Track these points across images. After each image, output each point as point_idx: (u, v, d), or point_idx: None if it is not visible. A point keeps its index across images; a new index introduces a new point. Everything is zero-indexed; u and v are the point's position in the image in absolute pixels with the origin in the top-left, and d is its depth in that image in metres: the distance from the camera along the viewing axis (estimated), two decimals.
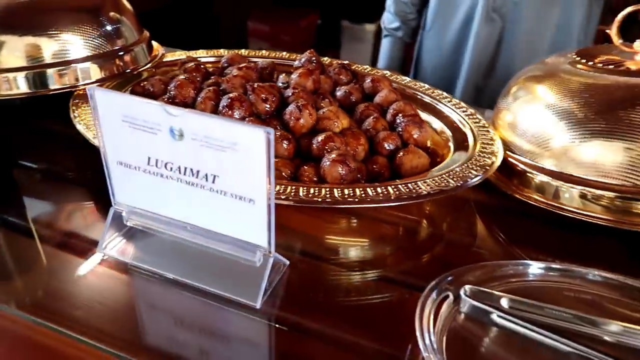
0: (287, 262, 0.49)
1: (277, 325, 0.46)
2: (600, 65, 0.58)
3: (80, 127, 0.58)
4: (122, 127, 0.43)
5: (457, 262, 0.55)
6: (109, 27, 0.71)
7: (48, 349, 0.46)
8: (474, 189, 0.64)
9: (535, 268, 0.47)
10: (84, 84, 0.68)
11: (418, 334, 0.40)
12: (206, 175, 0.43)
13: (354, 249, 0.59)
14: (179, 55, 0.80)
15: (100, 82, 0.69)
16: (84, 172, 0.67)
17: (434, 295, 0.43)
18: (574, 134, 0.56)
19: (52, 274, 0.50)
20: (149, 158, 0.44)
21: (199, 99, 0.60)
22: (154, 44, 0.80)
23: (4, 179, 0.64)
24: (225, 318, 0.48)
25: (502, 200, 0.62)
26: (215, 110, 0.59)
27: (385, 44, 1.29)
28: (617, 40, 0.60)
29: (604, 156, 0.55)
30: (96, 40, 0.69)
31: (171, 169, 0.44)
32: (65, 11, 0.70)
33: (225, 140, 0.40)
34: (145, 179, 0.45)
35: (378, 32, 2.81)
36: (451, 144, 0.62)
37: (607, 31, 0.61)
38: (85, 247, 0.53)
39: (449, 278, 0.45)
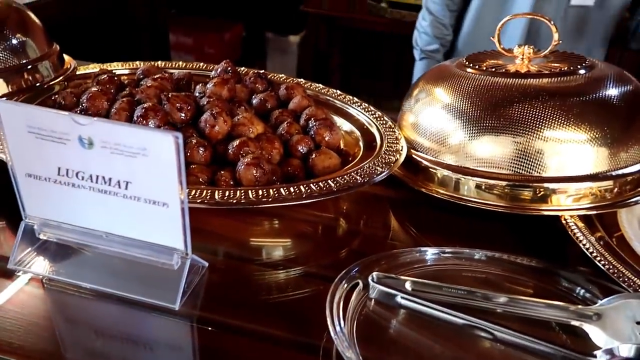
0: (206, 264, 0.51)
1: (198, 325, 0.48)
2: (485, 68, 0.64)
3: None
4: (28, 138, 0.43)
5: (372, 254, 0.59)
6: (14, 41, 0.69)
7: None
8: (386, 186, 0.68)
9: (431, 253, 0.52)
10: None
11: (329, 321, 0.43)
12: (118, 182, 0.43)
13: (275, 248, 0.61)
14: (93, 68, 0.79)
15: (8, 97, 0.67)
16: None
17: (343, 284, 0.46)
18: (468, 131, 0.62)
19: None
20: (59, 168, 0.44)
21: (112, 110, 0.60)
22: (66, 57, 0.78)
23: None
24: (147, 323, 0.48)
25: (412, 195, 0.67)
26: (129, 122, 0.59)
27: (420, 66, 1.29)
28: (499, 46, 0.67)
29: (494, 150, 0.61)
30: (0, 55, 0.68)
31: (83, 177, 0.44)
32: None
33: (134, 146, 0.41)
34: (56, 189, 0.45)
35: (302, 43, 2.88)
36: (361, 145, 0.66)
37: (491, 38, 0.68)
38: None
39: (357, 267, 0.49)
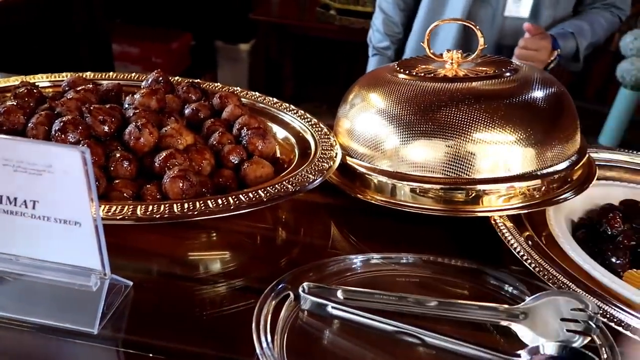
0: (130, 283, 0.48)
1: (122, 350, 0.45)
2: (416, 73, 0.65)
3: None
4: None
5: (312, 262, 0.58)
6: None
7: None
8: (324, 193, 0.68)
9: (360, 260, 0.52)
10: None
11: (255, 337, 0.41)
12: (25, 201, 0.41)
13: (212, 263, 0.59)
14: (14, 80, 0.75)
15: None
16: None
17: (272, 296, 0.45)
18: (401, 136, 0.62)
19: None
20: None
21: (29, 124, 0.57)
22: None
23: None
24: (66, 351, 0.46)
25: (350, 202, 0.66)
26: (48, 136, 0.56)
27: (373, 62, 1.33)
28: (428, 51, 0.68)
29: (427, 154, 0.61)
30: None
31: None
32: None
33: (39, 163, 0.39)
34: None
35: (252, 52, 2.86)
36: (297, 152, 0.66)
37: (422, 43, 0.69)
38: None
39: (287, 279, 0.48)
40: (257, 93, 0.78)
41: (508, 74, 0.63)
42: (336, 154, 0.63)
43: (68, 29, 1.89)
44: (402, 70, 0.66)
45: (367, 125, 0.65)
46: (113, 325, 0.46)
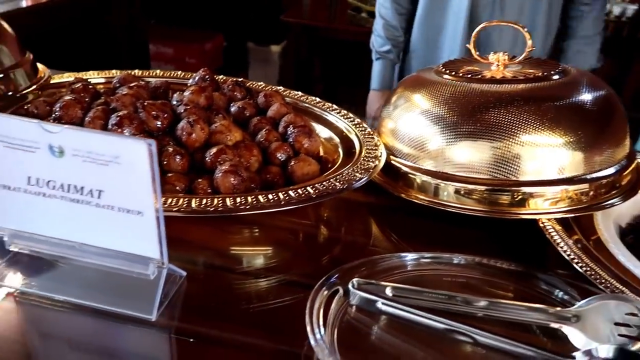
0: (184, 274, 0.50)
1: (175, 336, 0.47)
2: (462, 74, 0.65)
3: None
4: None
5: (354, 260, 0.59)
6: None
7: None
8: (366, 192, 0.68)
9: (411, 258, 0.52)
10: None
11: (308, 328, 0.42)
12: (91, 191, 0.42)
13: (255, 257, 0.60)
14: (67, 77, 0.78)
15: None
16: None
17: (323, 291, 0.46)
18: (446, 136, 0.62)
19: None
20: (29, 178, 0.43)
21: (87, 118, 0.59)
22: (40, 66, 0.77)
23: None
24: (122, 335, 0.47)
25: (391, 200, 0.67)
26: (104, 130, 0.58)
27: (377, 66, 1.36)
28: (474, 52, 0.68)
29: (472, 155, 0.61)
30: None
31: (54, 187, 0.43)
32: None
33: (107, 154, 0.40)
34: (26, 199, 0.44)
35: (283, 53, 2.89)
36: (340, 151, 0.66)
37: (467, 45, 0.69)
38: None
39: (337, 274, 0.48)
40: (299, 92, 0.79)
41: (556, 76, 0.63)
42: (381, 153, 0.64)
43: (108, 29, 1.95)
44: (447, 71, 0.67)
45: (412, 125, 0.65)
46: (168, 313, 0.47)
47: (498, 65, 0.66)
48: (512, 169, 0.60)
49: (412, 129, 0.65)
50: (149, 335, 0.47)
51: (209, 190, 0.55)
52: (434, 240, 0.62)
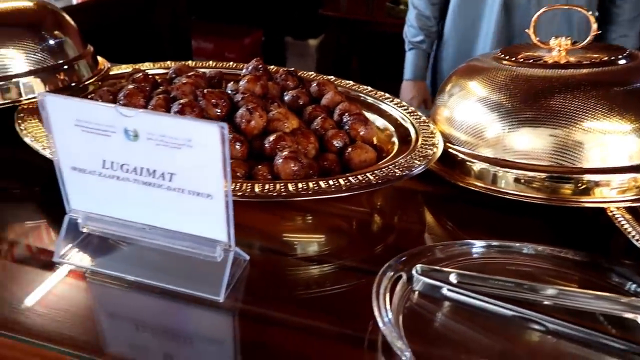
0: (248, 257, 0.51)
1: (240, 318, 0.48)
2: (522, 60, 0.63)
3: (28, 140, 0.58)
4: (74, 131, 0.43)
5: (409, 248, 0.59)
6: (51, 42, 0.70)
7: None
8: (420, 180, 0.68)
9: (477, 247, 0.51)
10: (27, 99, 0.67)
11: (376, 312, 0.42)
12: (163, 174, 0.44)
13: (312, 243, 0.61)
14: (125, 68, 0.80)
15: None
16: (30, 188, 0.66)
17: (388, 275, 0.46)
18: (505, 123, 0.61)
19: (8, 287, 0.49)
20: (103, 161, 0.45)
21: (149, 107, 0.61)
22: (99, 58, 0.79)
23: None
24: (188, 316, 0.48)
25: (446, 189, 0.66)
26: None
27: (410, 56, 1.37)
28: (534, 38, 0.66)
29: (533, 142, 0.60)
30: (38, 55, 0.69)
31: (127, 170, 0.44)
32: (4, 27, 0.69)
33: (180, 137, 0.41)
34: (100, 182, 0.46)
35: (321, 47, 2.89)
36: (395, 140, 0.66)
37: (526, 30, 0.67)
38: (40, 259, 0.52)
39: (401, 259, 0.48)
40: (350, 82, 0.79)
41: (623, 60, 0.60)
42: (438, 140, 0.63)
43: (152, 26, 1.99)
44: (506, 57, 0.65)
45: (469, 112, 0.64)
46: (233, 295, 0.48)
47: (560, 50, 0.64)
48: (576, 156, 0.58)
49: (469, 117, 0.64)
50: (214, 316, 0.48)
51: (269, 177, 0.56)
52: (492, 229, 0.61)
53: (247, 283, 0.51)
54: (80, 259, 0.50)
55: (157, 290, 0.48)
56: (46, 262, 0.51)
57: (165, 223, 0.46)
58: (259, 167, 0.57)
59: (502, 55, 0.66)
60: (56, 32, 0.71)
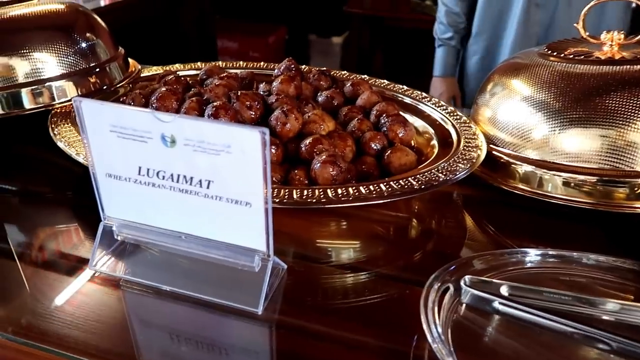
0: (285, 266, 0.49)
1: (278, 329, 0.46)
2: (572, 56, 0.60)
3: (61, 145, 0.57)
4: (110, 137, 0.42)
5: (450, 255, 0.56)
6: (83, 45, 0.70)
7: None
8: (458, 183, 0.65)
9: (532, 255, 0.48)
10: (60, 103, 0.67)
11: (425, 326, 0.40)
12: (200, 181, 0.42)
13: (348, 250, 0.59)
14: (155, 70, 0.79)
15: None
16: (63, 192, 0.65)
17: (435, 286, 0.43)
18: (553, 123, 0.58)
19: (41, 295, 0.48)
20: (139, 168, 0.43)
21: (182, 110, 0.59)
22: (130, 60, 0.79)
23: None
24: (224, 327, 0.47)
25: (486, 192, 0.63)
26: None
27: (439, 52, 1.37)
28: (583, 33, 0.62)
29: (582, 143, 0.56)
30: (70, 58, 0.68)
31: (163, 177, 0.43)
32: (36, 30, 0.68)
33: (219, 143, 0.39)
34: (136, 189, 0.44)
35: (345, 45, 2.86)
36: (435, 142, 0.63)
37: (575, 25, 0.64)
38: (73, 266, 0.51)
39: (448, 270, 0.45)
40: (385, 81, 0.76)
41: None
42: (481, 142, 0.60)
43: (178, 25, 1.99)
44: (552, 53, 0.62)
45: (513, 112, 0.61)
46: (270, 306, 0.46)
47: (612, 45, 0.60)
48: (630, 159, 0.54)
49: (513, 117, 0.61)
50: (250, 327, 0.46)
51: (305, 182, 0.54)
52: (537, 236, 0.58)
53: (285, 293, 0.49)
54: (115, 267, 0.49)
55: (191, 300, 0.47)
56: (79, 269, 0.50)
57: (202, 231, 0.45)
58: (295, 171, 0.55)
59: (549, 52, 0.62)
60: (88, 35, 0.70)
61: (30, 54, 0.66)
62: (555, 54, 0.61)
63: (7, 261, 0.52)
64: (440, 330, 0.39)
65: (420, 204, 0.65)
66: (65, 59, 0.67)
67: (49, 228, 0.58)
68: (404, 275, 0.53)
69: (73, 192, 0.64)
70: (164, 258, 0.49)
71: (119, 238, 0.48)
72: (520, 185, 0.60)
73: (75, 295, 0.48)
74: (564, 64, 0.59)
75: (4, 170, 0.68)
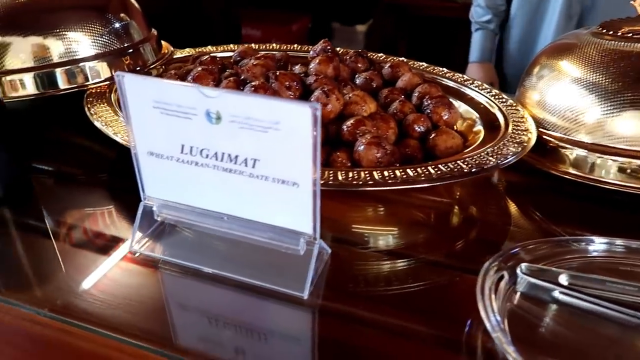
0: (329, 250, 0.47)
1: (323, 316, 0.44)
2: (630, 34, 0.56)
3: (98, 124, 0.56)
4: (153, 114, 0.41)
5: (495, 242, 0.54)
6: (116, 25, 0.69)
7: (81, 351, 0.44)
8: (501, 169, 0.62)
9: (589, 243, 0.45)
10: (94, 83, 0.66)
11: (483, 314, 0.38)
12: (245, 160, 0.40)
13: (388, 235, 0.57)
14: (188, 52, 0.78)
15: (111, 81, 0.66)
16: (97, 174, 0.65)
17: (491, 274, 0.41)
18: (608, 105, 0.55)
19: (81, 275, 0.47)
20: (182, 146, 0.42)
21: None
22: (163, 42, 0.77)
23: (17, 184, 0.61)
24: (266, 311, 0.45)
25: (530, 178, 0.60)
26: None
27: (476, 37, 1.33)
28: None
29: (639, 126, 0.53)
30: (104, 38, 0.67)
31: (207, 155, 0.41)
32: (71, 10, 0.67)
33: (267, 119, 0.38)
34: (178, 168, 0.43)
35: (368, 33, 2.81)
36: (480, 126, 0.61)
37: (631, 2, 0.60)
38: (112, 246, 0.50)
39: (504, 256, 0.43)
40: (424, 63, 0.74)
41: None
42: (530, 125, 0.57)
43: (203, 13, 1.98)
44: (606, 32, 0.58)
45: (564, 94, 0.58)
46: (315, 291, 0.45)
47: None
48: None
49: (564, 99, 0.58)
50: (293, 313, 0.44)
51: (348, 164, 0.52)
52: (588, 223, 0.55)
53: (328, 278, 0.47)
54: (154, 248, 0.48)
55: (231, 283, 0.45)
56: (117, 250, 0.49)
57: (245, 213, 0.43)
58: (338, 153, 0.53)
59: (603, 30, 0.59)
60: (122, 15, 0.69)
61: (64, 34, 0.65)
62: (611, 32, 0.58)
63: (45, 240, 0.51)
64: (498, 318, 0.37)
65: (461, 189, 0.63)
66: (99, 39, 0.66)
67: (85, 209, 0.57)
68: (448, 262, 0.51)
69: (108, 174, 0.64)
70: (205, 240, 0.48)
71: (158, 219, 0.47)
72: (571, 170, 0.57)
73: (113, 277, 0.47)
74: (622, 43, 0.56)
75: (38, 152, 0.68)
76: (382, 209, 0.60)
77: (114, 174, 0.63)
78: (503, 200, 0.62)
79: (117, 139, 0.52)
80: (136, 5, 0.73)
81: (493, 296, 0.39)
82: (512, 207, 0.61)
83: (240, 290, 0.45)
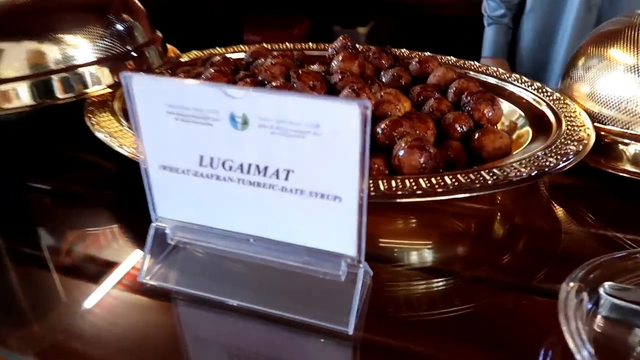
0: (372, 273, 0.41)
1: (363, 349, 0.38)
2: None
3: (101, 136, 0.49)
4: (167, 120, 0.34)
5: (550, 254, 0.48)
6: (118, 26, 0.62)
7: None
8: None
9: None
10: (95, 91, 0.60)
11: (571, 344, 0.31)
12: (277, 171, 0.34)
13: (424, 249, 0.50)
14: (196, 54, 0.72)
15: (114, 88, 0.60)
16: (102, 191, 0.58)
17: (573, 295, 0.35)
18: None
19: (81, 309, 0.40)
20: (201, 157, 0.35)
21: None
22: (168, 45, 0.71)
23: (11, 205, 0.55)
24: (305, 350, 0.39)
25: (578, 178, 0.54)
26: None
27: (489, 31, 1.29)
28: None
29: None
30: (105, 42, 0.61)
31: (230, 167, 0.35)
32: (68, 12, 0.61)
33: (304, 122, 0.31)
34: (196, 184, 0.37)
35: (370, 35, 2.76)
36: (526, 123, 0.54)
37: None
38: (118, 276, 0.44)
39: (578, 275, 0.37)
40: (452, 57, 0.68)
41: None
42: (585, 121, 0.51)
43: (206, 15, 1.93)
44: None
45: (618, 85, 0.52)
46: (359, 321, 0.38)
47: None
48: None
49: (619, 90, 0.52)
50: (334, 348, 0.38)
51: (386, 171, 0.46)
52: None
53: (370, 304, 0.41)
54: (168, 277, 0.42)
55: (258, 315, 0.39)
56: (125, 281, 0.43)
57: (276, 233, 0.37)
58: (373, 160, 0.47)
59: None
60: (124, 16, 0.63)
61: (62, 37, 0.59)
62: None
63: (40, 272, 0.45)
64: (590, 349, 0.31)
65: (502, 194, 0.57)
66: (99, 43, 0.60)
67: (86, 233, 0.51)
68: (504, 278, 0.45)
69: (113, 192, 0.57)
70: (228, 266, 0.41)
71: (172, 242, 0.41)
72: (630, 168, 0.51)
73: (123, 311, 0.40)
74: None
75: (34, 168, 0.62)
76: (413, 221, 0.54)
77: (119, 191, 0.57)
78: (551, 204, 0.56)
79: (124, 151, 0.46)
80: (139, 4, 0.67)
81: (580, 324, 0.33)
82: (561, 211, 0.54)
83: (270, 325, 0.39)
